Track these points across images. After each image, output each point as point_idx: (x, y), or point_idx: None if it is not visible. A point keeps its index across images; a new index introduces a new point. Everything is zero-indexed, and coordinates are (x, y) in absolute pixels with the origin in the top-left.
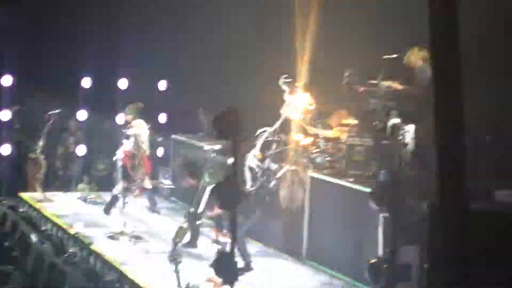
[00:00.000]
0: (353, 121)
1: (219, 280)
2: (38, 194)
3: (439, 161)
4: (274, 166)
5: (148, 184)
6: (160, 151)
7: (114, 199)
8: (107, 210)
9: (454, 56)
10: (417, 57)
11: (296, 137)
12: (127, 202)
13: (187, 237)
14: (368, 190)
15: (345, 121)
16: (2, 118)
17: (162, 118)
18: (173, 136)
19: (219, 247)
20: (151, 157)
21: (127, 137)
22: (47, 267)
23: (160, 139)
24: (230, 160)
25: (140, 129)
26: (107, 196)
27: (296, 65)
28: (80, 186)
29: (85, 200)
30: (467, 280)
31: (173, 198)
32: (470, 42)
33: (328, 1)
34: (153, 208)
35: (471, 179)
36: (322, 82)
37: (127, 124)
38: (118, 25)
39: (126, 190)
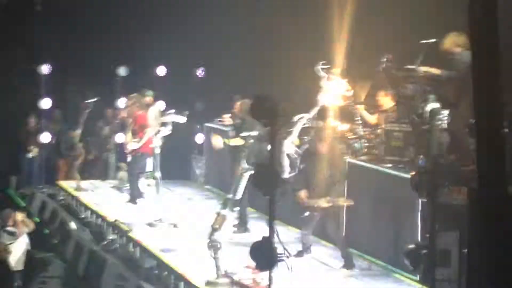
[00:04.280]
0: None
1: (257, 267)
2: (76, 182)
3: (478, 145)
4: None
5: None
6: (199, 138)
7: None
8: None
9: (493, 41)
10: (454, 43)
11: (334, 124)
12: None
13: (227, 224)
14: (406, 176)
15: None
16: (42, 106)
17: (199, 105)
18: (205, 124)
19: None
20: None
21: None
22: (86, 254)
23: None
24: (268, 147)
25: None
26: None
27: (332, 51)
28: (121, 174)
29: (119, 189)
30: (506, 266)
31: (207, 186)
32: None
33: None
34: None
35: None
36: (359, 68)
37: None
38: (153, 12)
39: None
